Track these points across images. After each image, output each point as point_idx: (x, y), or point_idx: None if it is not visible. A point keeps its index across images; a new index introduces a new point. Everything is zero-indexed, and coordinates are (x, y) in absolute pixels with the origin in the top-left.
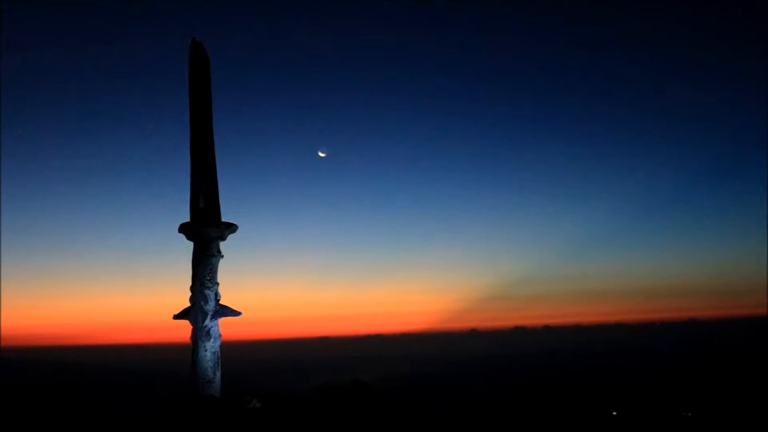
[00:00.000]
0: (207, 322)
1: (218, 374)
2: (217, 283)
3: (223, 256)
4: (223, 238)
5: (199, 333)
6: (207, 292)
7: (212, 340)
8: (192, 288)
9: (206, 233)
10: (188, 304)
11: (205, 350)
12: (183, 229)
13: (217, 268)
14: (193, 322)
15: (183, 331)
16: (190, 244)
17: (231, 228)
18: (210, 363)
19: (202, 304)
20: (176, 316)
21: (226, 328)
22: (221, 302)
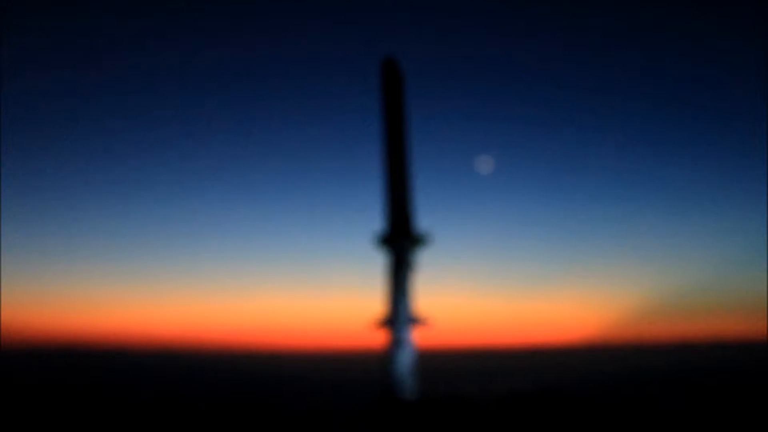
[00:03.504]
0: (402, 331)
1: (412, 382)
2: (411, 293)
3: (416, 267)
4: (417, 250)
5: (394, 342)
6: (401, 301)
7: (407, 349)
8: (387, 298)
9: (401, 244)
10: (383, 313)
11: (400, 359)
12: (379, 239)
13: (411, 278)
14: (389, 331)
15: (377, 339)
16: (386, 255)
17: (425, 239)
18: (405, 371)
19: (397, 314)
20: (372, 325)
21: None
22: (415, 312)
